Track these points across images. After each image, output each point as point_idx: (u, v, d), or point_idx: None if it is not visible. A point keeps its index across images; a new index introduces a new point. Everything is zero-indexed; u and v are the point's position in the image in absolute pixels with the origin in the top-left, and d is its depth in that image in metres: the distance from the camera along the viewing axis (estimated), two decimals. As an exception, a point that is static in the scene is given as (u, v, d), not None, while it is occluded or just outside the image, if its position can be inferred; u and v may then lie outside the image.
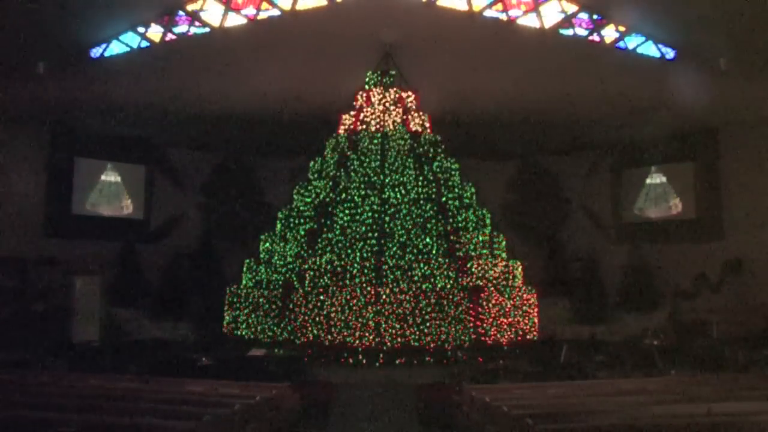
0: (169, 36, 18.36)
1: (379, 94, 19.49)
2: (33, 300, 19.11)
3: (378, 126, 19.16)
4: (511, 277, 18.07)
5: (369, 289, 16.20)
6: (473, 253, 17.74)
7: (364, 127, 19.27)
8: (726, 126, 21.44)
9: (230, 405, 8.03)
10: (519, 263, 18.66)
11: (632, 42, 18.57)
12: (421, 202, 18.13)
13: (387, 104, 19.44)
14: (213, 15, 18.31)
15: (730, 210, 21.52)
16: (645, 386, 9.98)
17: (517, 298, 17.39)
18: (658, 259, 22.44)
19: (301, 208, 18.71)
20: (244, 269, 18.55)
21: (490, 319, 16.55)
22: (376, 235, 17.29)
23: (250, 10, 18.23)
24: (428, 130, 19.66)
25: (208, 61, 18.53)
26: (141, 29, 18.25)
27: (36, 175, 21.07)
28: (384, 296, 16.00)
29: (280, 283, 17.21)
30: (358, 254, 16.93)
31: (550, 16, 18.35)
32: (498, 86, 19.34)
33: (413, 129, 19.35)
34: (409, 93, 19.77)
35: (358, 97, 19.85)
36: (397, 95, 19.60)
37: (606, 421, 7.44)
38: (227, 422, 7.60)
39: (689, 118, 20.89)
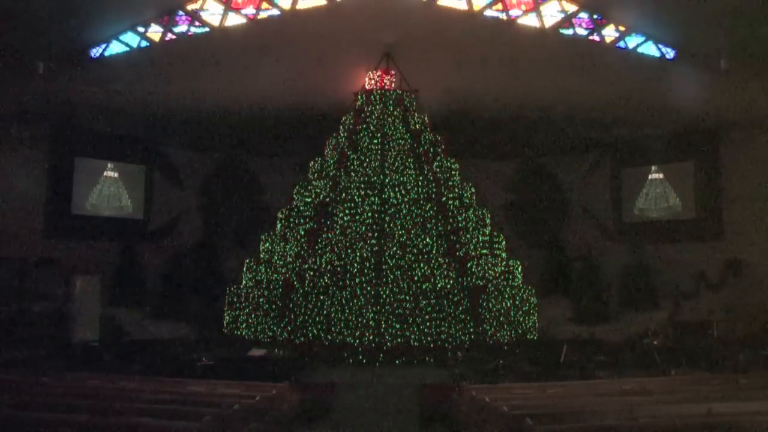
0: (169, 36, 18.36)
1: (379, 94, 19.49)
2: (33, 300, 19.09)
3: (378, 126, 19.16)
4: (511, 276, 18.07)
5: (369, 289, 16.20)
6: (473, 253, 17.74)
7: (364, 127, 19.27)
8: (726, 126, 21.43)
9: (230, 405, 8.03)
10: (519, 263, 18.66)
11: (632, 42, 18.56)
12: (421, 202, 18.14)
13: (387, 104, 19.44)
14: (213, 15, 18.31)
15: (730, 210, 21.51)
16: (645, 386, 9.97)
17: (517, 297, 17.39)
18: (658, 259, 22.43)
19: (301, 208, 18.72)
20: (244, 269, 18.55)
21: (490, 319, 16.55)
22: (376, 235, 17.29)
23: (250, 10, 18.23)
24: (428, 130, 19.66)
25: (208, 61, 18.51)
26: (141, 29, 18.24)
27: (36, 175, 21.06)
28: (384, 296, 16.00)
29: (280, 283, 17.21)
30: (358, 254, 16.93)
31: (551, 15, 18.35)
32: (498, 86, 19.34)
33: (413, 129, 19.35)
34: (409, 93, 19.77)
35: (358, 97, 19.85)
36: (397, 95, 19.60)
37: (606, 421, 7.44)
38: (227, 422, 7.59)
39: (689, 118, 20.89)
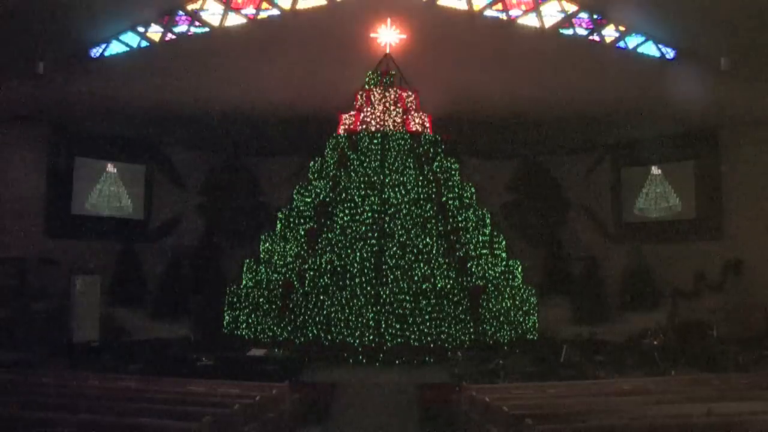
0: (169, 36, 18.39)
1: (379, 94, 19.49)
2: (33, 300, 19.08)
3: (378, 126, 19.16)
4: (511, 276, 18.06)
5: (369, 289, 16.20)
6: (473, 253, 17.74)
7: (364, 127, 19.27)
8: (726, 126, 21.42)
9: (230, 405, 8.02)
10: (519, 263, 18.66)
11: (632, 42, 18.59)
12: (421, 202, 18.13)
13: (387, 104, 19.43)
14: (213, 15, 18.34)
15: (730, 210, 21.49)
16: (645, 386, 9.97)
17: (517, 297, 17.39)
18: (658, 259, 22.42)
19: (301, 208, 18.72)
20: (244, 269, 18.55)
21: (491, 319, 16.55)
22: (376, 235, 17.29)
23: (250, 10, 18.26)
24: (428, 130, 19.65)
25: (208, 61, 18.52)
26: (141, 29, 18.27)
27: (36, 175, 21.05)
28: (384, 296, 16.00)
29: (280, 283, 17.20)
30: (358, 254, 16.92)
31: (551, 15, 18.38)
32: (498, 86, 19.35)
33: (413, 129, 19.35)
34: (409, 93, 19.76)
35: (358, 97, 19.84)
36: (397, 95, 19.60)
37: (606, 421, 7.43)
38: (227, 422, 7.59)
39: (689, 118, 20.87)
